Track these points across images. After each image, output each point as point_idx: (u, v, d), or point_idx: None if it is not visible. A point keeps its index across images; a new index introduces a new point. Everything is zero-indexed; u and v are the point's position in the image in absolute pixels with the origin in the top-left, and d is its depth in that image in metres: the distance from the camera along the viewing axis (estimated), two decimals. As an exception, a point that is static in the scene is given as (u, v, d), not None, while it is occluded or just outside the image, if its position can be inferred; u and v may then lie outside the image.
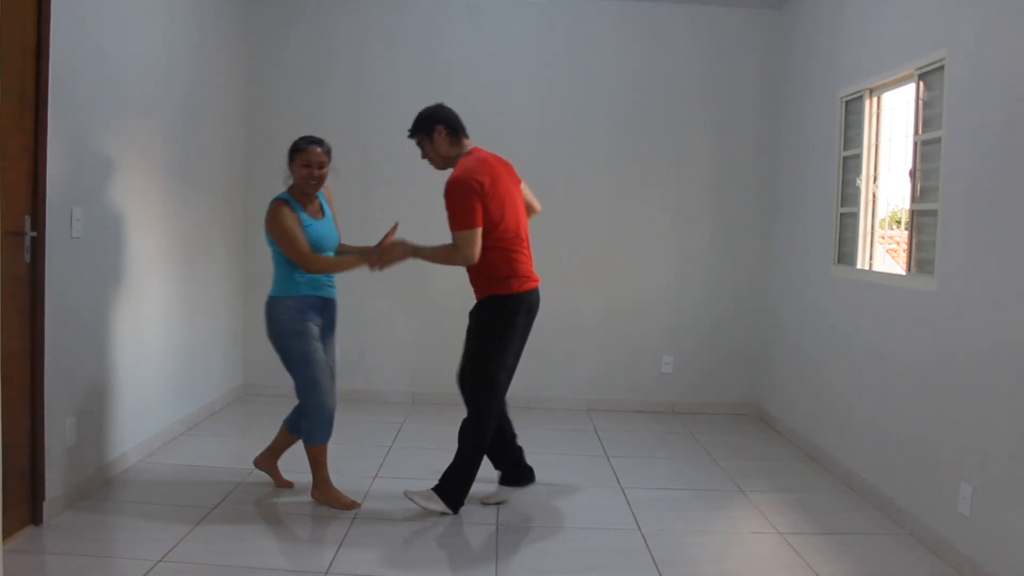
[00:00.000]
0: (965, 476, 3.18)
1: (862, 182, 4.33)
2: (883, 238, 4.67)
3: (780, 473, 4.47)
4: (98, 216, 3.66)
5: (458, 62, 5.62)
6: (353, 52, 5.62)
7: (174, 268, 4.51)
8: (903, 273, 3.90)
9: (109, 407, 3.81)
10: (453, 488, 3.57)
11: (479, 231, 3.44)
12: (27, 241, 3.12)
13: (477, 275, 3.58)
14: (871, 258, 4.33)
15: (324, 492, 3.64)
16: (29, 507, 3.18)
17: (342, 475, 3.93)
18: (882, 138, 4.28)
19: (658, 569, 3.12)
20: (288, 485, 3.85)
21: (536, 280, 3.65)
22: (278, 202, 3.57)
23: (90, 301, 3.63)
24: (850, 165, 4.49)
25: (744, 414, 5.75)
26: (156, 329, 4.29)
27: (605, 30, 5.64)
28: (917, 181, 3.76)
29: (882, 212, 4.37)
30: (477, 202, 3.43)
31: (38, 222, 3.17)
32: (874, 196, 4.32)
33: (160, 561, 2.97)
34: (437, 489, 3.58)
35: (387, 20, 5.62)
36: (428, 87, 5.61)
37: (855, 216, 4.40)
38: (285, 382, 5.60)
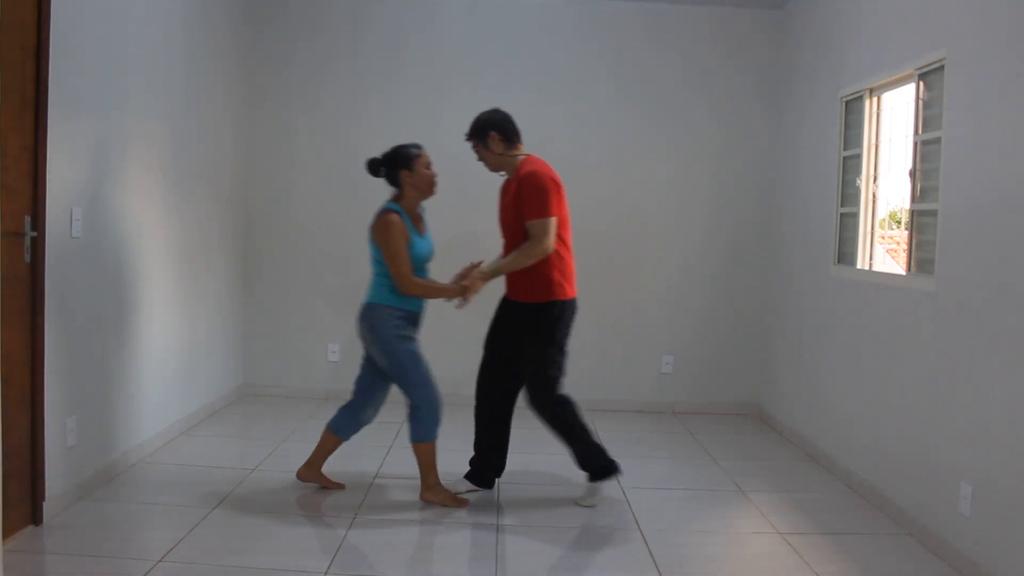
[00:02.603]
0: (965, 476, 3.18)
1: (862, 182, 4.33)
2: (883, 238, 4.66)
3: (780, 473, 4.47)
4: (98, 216, 3.66)
5: (458, 61, 5.62)
6: (353, 52, 5.62)
7: (174, 268, 4.51)
8: (903, 273, 3.90)
9: (109, 407, 3.81)
10: (594, 464, 3.76)
11: (555, 221, 3.57)
12: (27, 241, 3.12)
13: (534, 275, 3.62)
14: (871, 258, 4.33)
15: (437, 493, 3.67)
16: (29, 507, 3.18)
17: (342, 476, 3.93)
18: (882, 138, 4.28)
19: (658, 569, 3.12)
20: (340, 487, 3.83)
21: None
22: (390, 212, 3.58)
23: (90, 301, 3.62)
24: (850, 165, 4.49)
25: (744, 414, 5.75)
26: (156, 329, 4.29)
27: (605, 30, 5.64)
28: (917, 181, 3.76)
29: (882, 212, 4.37)
30: (555, 195, 3.58)
31: (38, 222, 3.17)
32: (874, 196, 4.32)
33: (160, 561, 2.97)
34: (591, 478, 3.76)
35: (387, 19, 5.62)
36: (428, 86, 5.63)
37: (855, 216, 4.40)
38: (285, 382, 5.68)
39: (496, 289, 3.85)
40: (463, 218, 5.31)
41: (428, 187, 3.67)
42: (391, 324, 3.58)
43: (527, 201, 3.56)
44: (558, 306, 3.66)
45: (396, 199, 3.66)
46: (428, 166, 3.66)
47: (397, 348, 3.60)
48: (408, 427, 3.68)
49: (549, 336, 3.67)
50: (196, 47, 4.74)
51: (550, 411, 3.72)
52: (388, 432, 4.89)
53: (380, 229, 3.58)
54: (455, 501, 3.67)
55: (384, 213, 3.60)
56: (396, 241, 3.55)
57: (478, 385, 3.86)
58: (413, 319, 3.68)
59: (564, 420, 3.73)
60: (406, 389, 3.64)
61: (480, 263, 3.72)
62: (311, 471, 3.82)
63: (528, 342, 3.68)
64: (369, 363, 3.76)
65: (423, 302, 3.71)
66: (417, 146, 3.69)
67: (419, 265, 3.64)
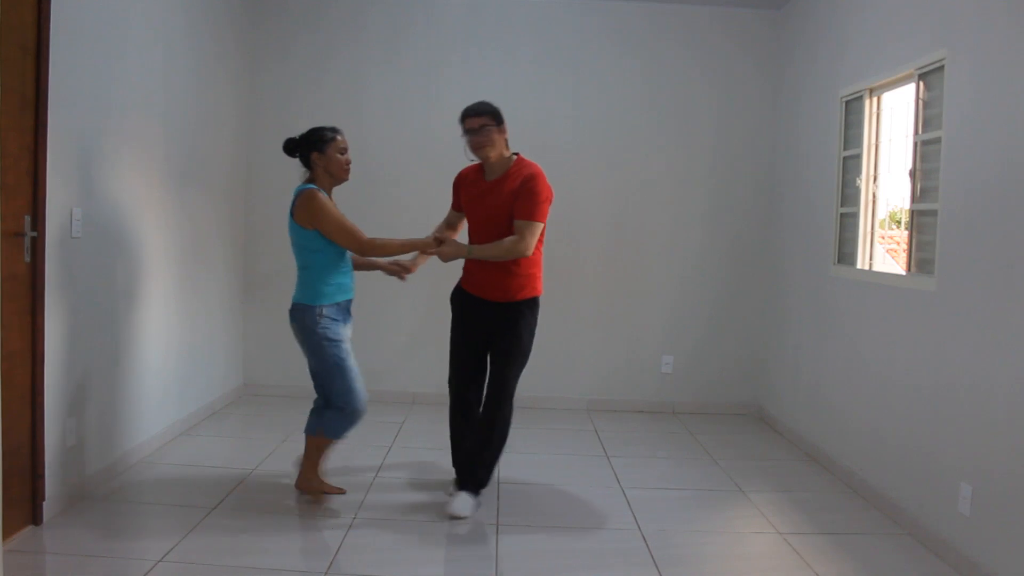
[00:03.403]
0: (965, 476, 3.19)
1: (862, 182, 4.33)
2: (883, 238, 4.67)
3: (780, 473, 4.47)
4: (98, 216, 3.66)
5: (457, 61, 5.62)
6: (353, 52, 5.62)
7: (174, 268, 4.52)
8: (903, 273, 3.90)
9: (109, 407, 3.81)
10: (488, 476, 3.75)
11: (542, 229, 3.60)
12: (27, 241, 3.12)
13: (524, 275, 3.65)
14: (871, 258, 4.33)
15: (313, 483, 3.65)
16: (29, 507, 3.19)
17: (343, 475, 3.93)
18: (882, 138, 4.28)
19: (658, 569, 3.12)
20: (340, 492, 3.76)
21: None
22: (312, 191, 3.47)
23: (90, 301, 3.62)
24: (850, 165, 4.49)
25: (744, 414, 5.75)
26: (156, 329, 4.29)
27: (604, 30, 5.64)
28: (917, 181, 3.76)
29: (882, 212, 4.37)
30: (548, 204, 3.63)
31: (38, 222, 3.17)
32: (874, 196, 4.32)
33: (160, 561, 2.97)
34: (472, 490, 3.67)
35: (387, 16, 5.63)
36: (427, 86, 5.63)
37: (855, 216, 4.40)
38: (285, 382, 5.68)
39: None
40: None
41: (339, 172, 3.56)
42: (320, 326, 3.49)
43: (527, 200, 3.53)
44: (536, 301, 3.74)
45: (309, 182, 3.55)
46: (343, 151, 3.57)
47: (326, 353, 3.50)
48: (315, 419, 3.61)
49: (534, 329, 3.72)
50: (196, 47, 4.74)
51: (509, 409, 3.69)
52: (388, 432, 4.90)
53: (308, 206, 3.42)
54: (333, 489, 3.68)
55: (306, 191, 3.47)
56: (332, 211, 3.45)
57: (464, 397, 3.80)
58: (344, 309, 3.60)
59: (509, 422, 3.72)
60: (330, 394, 3.56)
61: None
62: (311, 482, 3.69)
63: (523, 335, 3.68)
64: None
65: (352, 290, 3.64)
66: (334, 129, 3.59)
67: (342, 251, 3.55)
